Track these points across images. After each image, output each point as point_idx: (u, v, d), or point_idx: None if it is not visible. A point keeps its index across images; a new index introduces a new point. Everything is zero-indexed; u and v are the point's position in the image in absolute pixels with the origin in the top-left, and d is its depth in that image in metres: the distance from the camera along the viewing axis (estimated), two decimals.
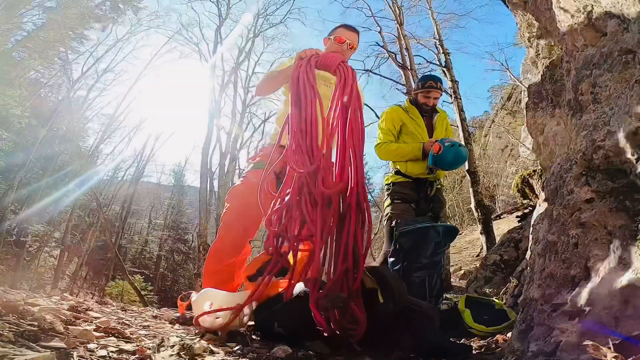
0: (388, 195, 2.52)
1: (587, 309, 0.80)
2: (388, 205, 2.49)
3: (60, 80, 15.22)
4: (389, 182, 2.54)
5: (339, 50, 1.90)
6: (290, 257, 1.35)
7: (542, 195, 1.22)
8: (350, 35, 1.97)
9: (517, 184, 6.00)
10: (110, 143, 21.59)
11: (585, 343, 0.74)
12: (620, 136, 0.83)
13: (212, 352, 1.07)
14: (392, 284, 1.26)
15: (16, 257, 14.45)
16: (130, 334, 1.16)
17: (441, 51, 8.59)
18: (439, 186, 2.57)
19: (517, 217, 7.24)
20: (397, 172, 2.51)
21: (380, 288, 1.27)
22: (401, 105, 2.68)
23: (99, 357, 0.85)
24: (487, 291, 3.54)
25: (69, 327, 1.01)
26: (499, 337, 1.55)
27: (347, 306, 1.21)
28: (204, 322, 1.33)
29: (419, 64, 9.38)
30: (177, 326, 1.51)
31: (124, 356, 0.90)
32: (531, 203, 5.93)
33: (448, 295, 2.44)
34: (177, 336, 1.23)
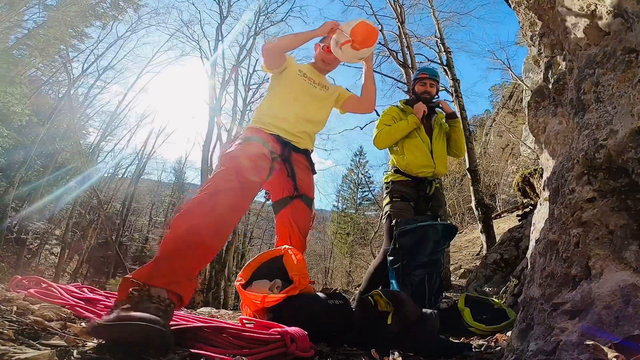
0: (387, 193, 2.52)
1: (588, 308, 0.80)
2: (387, 204, 2.49)
3: (61, 78, 15.23)
4: (388, 180, 2.54)
5: (326, 59, 2.05)
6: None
7: (543, 194, 1.22)
8: None
9: (518, 183, 6.01)
10: (111, 141, 21.62)
11: (585, 343, 0.73)
12: (623, 135, 0.82)
13: None
14: (407, 311, 1.36)
15: (17, 255, 14.50)
16: None
17: (442, 50, 8.56)
18: (438, 185, 2.57)
19: (517, 215, 7.24)
20: (397, 171, 2.51)
21: (394, 310, 1.34)
22: (397, 105, 2.67)
23: (99, 354, 0.85)
24: (487, 290, 3.54)
25: (69, 324, 1.01)
26: (498, 336, 1.55)
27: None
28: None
29: (420, 62, 9.33)
30: None
31: None
32: (532, 202, 5.92)
33: (448, 294, 2.44)
34: None
